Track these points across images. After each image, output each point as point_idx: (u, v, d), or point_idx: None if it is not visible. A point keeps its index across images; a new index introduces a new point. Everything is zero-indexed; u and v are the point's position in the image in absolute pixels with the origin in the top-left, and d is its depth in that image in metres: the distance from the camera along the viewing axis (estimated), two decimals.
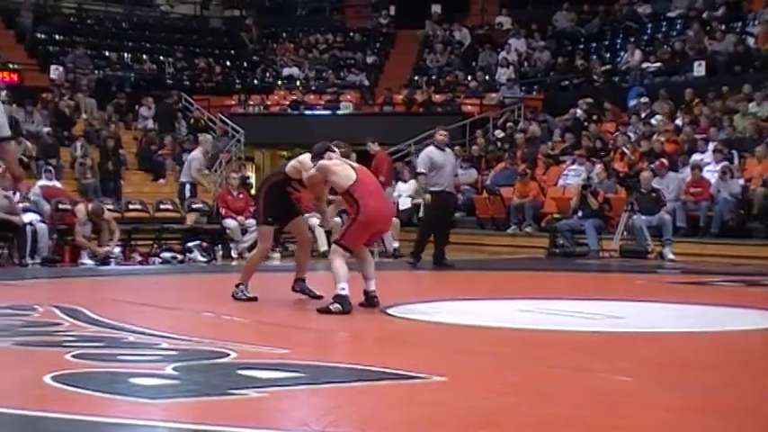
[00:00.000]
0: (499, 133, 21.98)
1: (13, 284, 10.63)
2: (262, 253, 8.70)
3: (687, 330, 7.27)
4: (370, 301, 7.86)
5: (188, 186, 15.86)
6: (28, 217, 13.33)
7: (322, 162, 7.90)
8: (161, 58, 25.58)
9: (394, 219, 16.16)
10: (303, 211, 8.91)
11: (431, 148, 13.22)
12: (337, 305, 7.48)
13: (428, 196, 12.94)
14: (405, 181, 19.69)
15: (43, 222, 13.47)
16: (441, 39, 26.29)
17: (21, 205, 13.36)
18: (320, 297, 8.19)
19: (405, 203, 19.17)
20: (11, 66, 22.96)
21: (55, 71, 22.53)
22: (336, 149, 8.13)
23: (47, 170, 16.24)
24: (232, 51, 27.74)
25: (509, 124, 22.28)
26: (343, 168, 7.86)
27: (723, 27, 21.38)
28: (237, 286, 8.45)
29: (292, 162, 8.30)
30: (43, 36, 24.98)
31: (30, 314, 7.59)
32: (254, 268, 8.62)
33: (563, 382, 5.09)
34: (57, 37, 25.21)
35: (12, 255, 13.26)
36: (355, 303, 7.69)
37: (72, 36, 25.28)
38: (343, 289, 7.51)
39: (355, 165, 8.08)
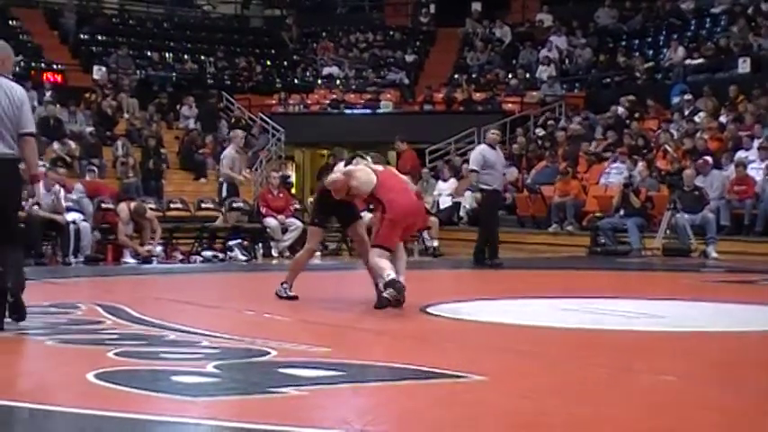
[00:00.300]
0: (540, 131, 21.86)
1: (57, 282, 10.73)
2: (308, 253, 8.66)
3: (732, 330, 7.17)
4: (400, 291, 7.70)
5: (225, 185, 15.85)
6: (71, 216, 13.46)
7: (348, 167, 7.98)
8: (202, 57, 25.74)
9: (432, 218, 16.26)
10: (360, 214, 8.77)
11: (483, 147, 13.12)
12: (390, 290, 7.43)
13: (478, 195, 12.84)
14: (445, 180, 19.65)
15: (86, 221, 13.59)
16: (481, 36, 26.19)
17: (64, 204, 13.49)
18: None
19: (445, 202, 19.14)
20: (55, 66, 23.23)
21: (98, 71, 22.77)
22: (368, 158, 8.17)
23: (90, 170, 16.44)
24: (272, 51, 27.83)
25: (550, 122, 22.15)
26: (365, 173, 7.89)
27: None
28: (282, 284, 8.47)
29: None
30: (86, 37, 25.24)
31: (73, 312, 7.66)
32: (301, 268, 8.61)
33: (606, 381, 5.04)
34: (99, 38, 25.48)
35: (55, 253, 13.41)
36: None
37: (114, 37, 25.52)
38: (389, 275, 7.46)
39: (380, 168, 8.08)
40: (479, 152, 12.95)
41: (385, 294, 7.50)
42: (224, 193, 15.69)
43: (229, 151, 16.00)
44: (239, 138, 16.55)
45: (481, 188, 12.82)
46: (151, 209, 14.52)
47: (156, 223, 14.04)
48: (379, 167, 8.08)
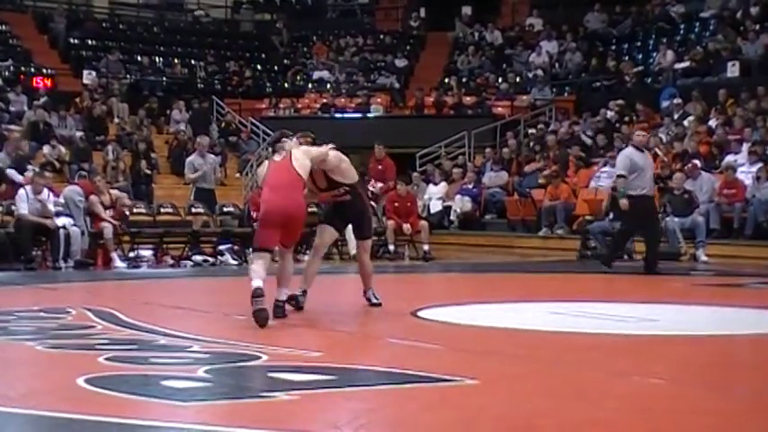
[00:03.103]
0: (531, 133, 21.91)
1: (47, 287, 10.70)
2: (315, 251, 8.40)
3: (722, 333, 7.19)
4: (277, 311, 7.36)
5: (193, 190, 15.97)
6: (61, 221, 13.41)
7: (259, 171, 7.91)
8: (192, 62, 25.73)
9: (422, 222, 16.22)
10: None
11: (630, 150, 12.18)
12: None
13: (625, 201, 11.92)
14: (435, 183, 19.66)
15: (76, 226, 13.55)
16: (471, 41, 26.22)
17: (54, 209, 13.44)
18: (379, 305, 8.15)
19: (435, 206, 19.15)
20: (44, 71, 23.16)
21: (88, 76, 22.73)
22: (290, 139, 7.88)
23: (81, 176, 16.38)
24: (263, 55, 27.82)
25: (540, 126, 22.20)
26: (262, 168, 7.81)
27: (757, 27, 21.16)
28: (294, 293, 7.96)
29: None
30: (76, 41, 25.20)
31: (63, 317, 7.64)
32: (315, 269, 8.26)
33: (598, 385, 5.05)
34: (89, 42, 25.43)
35: (45, 258, 13.36)
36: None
37: (104, 41, 25.50)
38: (255, 284, 6.95)
39: (276, 159, 7.63)
40: (627, 156, 12.09)
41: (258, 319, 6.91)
42: (191, 198, 15.82)
43: (191, 157, 16.18)
44: (202, 145, 16.58)
45: (630, 194, 11.95)
46: (141, 213, 14.50)
47: (126, 200, 14.02)
48: (277, 158, 7.66)
